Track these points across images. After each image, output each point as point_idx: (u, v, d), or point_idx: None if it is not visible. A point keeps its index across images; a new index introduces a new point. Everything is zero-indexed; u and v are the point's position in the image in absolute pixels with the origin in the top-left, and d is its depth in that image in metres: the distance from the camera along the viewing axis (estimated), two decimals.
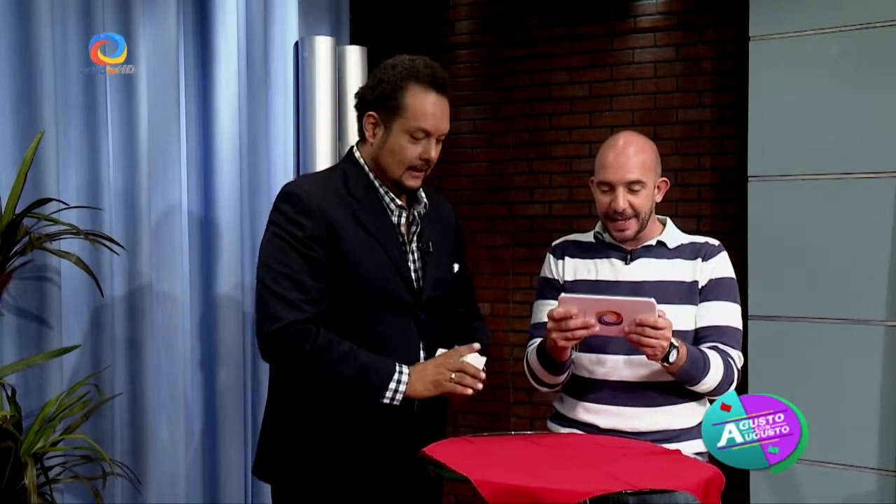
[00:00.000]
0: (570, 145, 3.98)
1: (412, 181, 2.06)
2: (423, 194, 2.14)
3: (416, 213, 2.12)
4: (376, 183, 2.08)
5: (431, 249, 2.13)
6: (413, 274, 2.10)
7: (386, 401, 1.96)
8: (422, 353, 2.09)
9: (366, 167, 2.09)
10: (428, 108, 2.02)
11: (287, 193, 2.03)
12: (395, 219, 2.09)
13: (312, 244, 1.98)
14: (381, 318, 2.05)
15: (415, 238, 2.12)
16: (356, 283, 2.01)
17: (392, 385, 1.96)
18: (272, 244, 2.01)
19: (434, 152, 2.05)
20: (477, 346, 2.02)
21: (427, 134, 2.02)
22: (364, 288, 2.02)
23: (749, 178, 3.41)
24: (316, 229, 1.98)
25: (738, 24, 3.61)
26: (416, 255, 2.12)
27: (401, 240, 2.09)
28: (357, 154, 2.11)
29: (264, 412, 2.19)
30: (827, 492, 3.23)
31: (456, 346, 2.05)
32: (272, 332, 1.96)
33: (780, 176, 3.35)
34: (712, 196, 3.73)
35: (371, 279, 2.02)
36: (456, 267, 2.23)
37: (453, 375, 1.97)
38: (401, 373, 1.97)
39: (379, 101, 2.04)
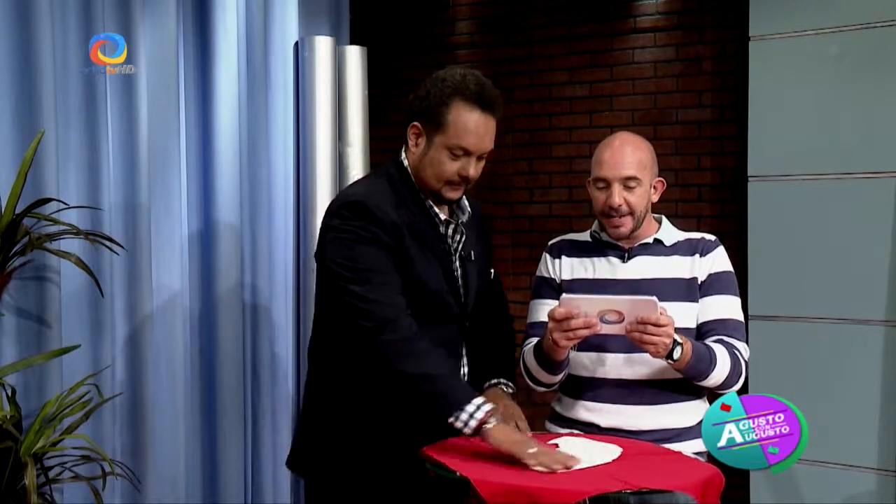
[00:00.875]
0: (570, 145, 3.98)
1: (451, 194, 2.06)
2: (466, 203, 2.14)
3: (461, 224, 2.13)
4: (422, 195, 2.08)
5: (473, 258, 2.14)
6: (458, 282, 2.11)
7: (459, 423, 1.86)
8: (463, 360, 2.11)
9: (412, 177, 2.08)
10: (471, 126, 2.00)
11: (356, 204, 1.98)
12: (442, 229, 2.09)
13: (389, 253, 1.97)
14: (431, 327, 2.03)
15: (459, 247, 2.13)
16: (415, 293, 2.01)
17: (469, 408, 1.85)
18: (346, 252, 1.95)
19: (473, 170, 2.04)
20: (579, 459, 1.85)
21: (467, 152, 2.01)
22: (421, 297, 2.02)
23: (749, 178, 3.41)
24: (389, 240, 1.98)
25: (738, 24, 3.61)
26: (457, 263, 2.13)
27: (447, 250, 2.10)
28: (405, 163, 2.09)
29: (302, 407, 2.21)
30: (827, 492, 3.23)
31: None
32: (373, 332, 1.92)
33: (780, 176, 3.35)
34: (712, 196, 3.73)
35: (427, 290, 2.03)
36: (492, 272, 2.25)
37: (540, 463, 1.79)
38: (484, 402, 1.87)
39: (424, 112, 2.03)
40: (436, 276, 2.05)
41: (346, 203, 2.00)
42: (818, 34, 3.27)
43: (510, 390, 2.20)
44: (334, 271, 1.97)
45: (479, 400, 1.87)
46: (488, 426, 1.85)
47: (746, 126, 3.43)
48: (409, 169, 2.08)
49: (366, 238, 1.95)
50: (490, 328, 2.28)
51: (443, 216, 2.09)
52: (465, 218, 2.14)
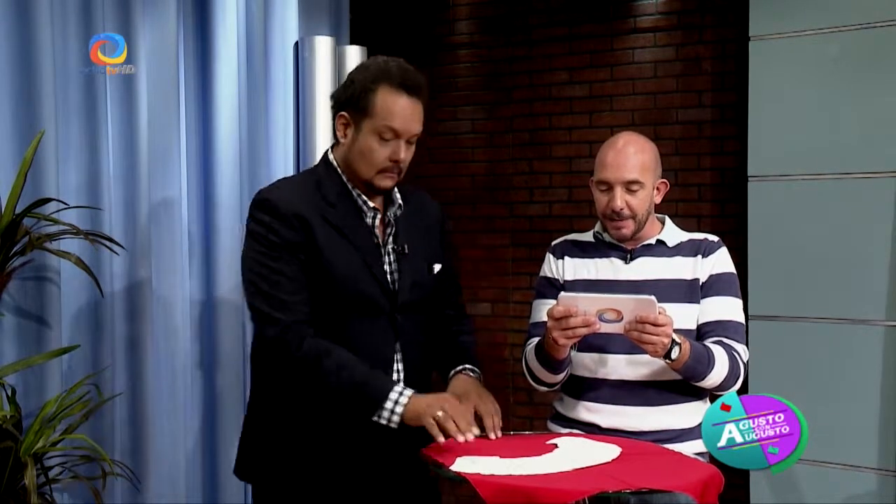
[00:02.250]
0: (570, 145, 3.98)
1: (384, 182, 2.05)
2: (397, 196, 2.13)
3: (390, 215, 2.12)
4: (349, 185, 2.07)
5: (407, 251, 2.12)
6: (389, 276, 2.09)
7: (383, 421, 1.93)
8: (397, 355, 2.09)
9: (339, 169, 2.09)
10: (397, 109, 2.00)
11: (261, 200, 2.03)
12: (369, 221, 2.08)
13: (291, 250, 1.99)
14: (356, 320, 2.04)
15: (390, 240, 2.12)
16: (331, 285, 2.01)
17: (388, 405, 1.92)
18: (253, 252, 2.02)
19: (403, 153, 2.03)
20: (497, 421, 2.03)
21: (396, 134, 2.01)
22: (338, 289, 2.02)
23: (749, 178, 3.41)
24: (293, 235, 1.99)
25: (738, 24, 3.61)
26: (391, 257, 2.11)
27: (376, 241, 2.08)
28: (331, 157, 2.11)
29: (245, 413, 2.19)
30: (827, 492, 3.23)
31: (476, 399, 2.05)
32: (275, 336, 1.97)
33: (780, 176, 3.35)
34: (712, 196, 3.73)
35: (345, 281, 2.02)
36: (436, 268, 2.20)
37: (440, 414, 1.88)
38: (400, 393, 1.93)
39: (350, 101, 2.04)
40: (355, 265, 2.03)
41: (254, 201, 2.06)
42: (818, 34, 3.27)
43: (475, 375, 2.18)
44: (246, 280, 2.03)
45: (394, 395, 1.93)
46: (401, 408, 1.91)
47: (746, 126, 3.43)
48: (335, 162, 2.09)
49: (273, 244, 1.98)
50: (447, 322, 2.27)
51: (371, 203, 2.08)
52: (395, 209, 2.12)
